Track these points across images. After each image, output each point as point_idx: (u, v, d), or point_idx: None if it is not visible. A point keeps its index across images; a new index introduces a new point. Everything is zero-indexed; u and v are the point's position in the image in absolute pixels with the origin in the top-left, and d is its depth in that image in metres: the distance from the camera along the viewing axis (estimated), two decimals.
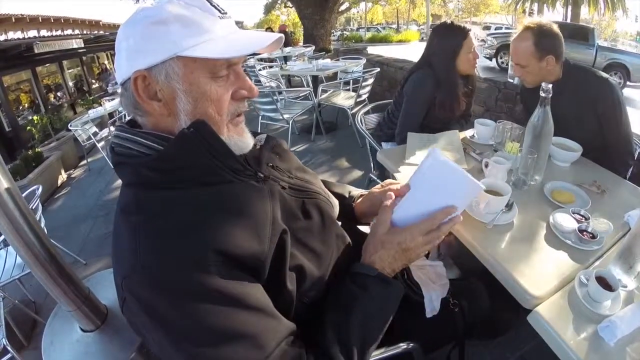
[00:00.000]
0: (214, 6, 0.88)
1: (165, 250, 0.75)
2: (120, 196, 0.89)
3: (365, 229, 1.44)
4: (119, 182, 0.91)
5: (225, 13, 0.90)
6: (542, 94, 1.54)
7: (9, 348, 2.24)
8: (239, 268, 0.78)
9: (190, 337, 0.72)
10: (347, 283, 0.98)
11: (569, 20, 21.47)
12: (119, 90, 0.91)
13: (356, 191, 1.41)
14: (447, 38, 2.46)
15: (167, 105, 0.85)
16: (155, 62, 0.81)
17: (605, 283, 1.07)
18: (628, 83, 12.03)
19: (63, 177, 6.55)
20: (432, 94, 2.50)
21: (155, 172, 0.83)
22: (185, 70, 0.83)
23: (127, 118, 0.99)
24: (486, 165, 1.68)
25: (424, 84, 2.51)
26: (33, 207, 2.85)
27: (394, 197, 1.06)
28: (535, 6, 27.46)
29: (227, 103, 0.89)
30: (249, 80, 0.94)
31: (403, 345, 1.18)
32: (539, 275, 1.20)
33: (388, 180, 1.31)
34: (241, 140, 0.95)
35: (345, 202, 1.35)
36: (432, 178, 0.99)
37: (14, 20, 13.69)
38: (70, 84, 15.23)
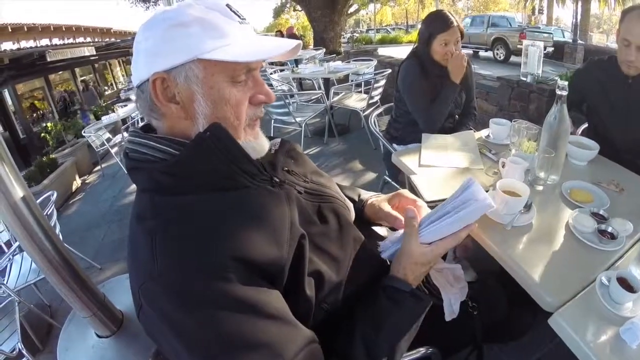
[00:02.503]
0: (234, 12, 0.88)
1: (183, 257, 0.75)
2: (136, 202, 0.89)
3: (377, 229, 1.43)
4: (133, 187, 0.91)
5: (245, 19, 0.90)
6: (558, 92, 1.51)
7: (24, 352, 2.26)
8: (258, 275, 0.78)
9: (207, 346, 0.71)
10: (380, 296, 0.98)
11: (579, 17, 21.40)
12: (134, 93, 0.91)
13: (366, 194, 1.39)
14: (426, 23, 2.50)
15: (184, 108, 0.85)
16: (175, 64, 0.81)
17: (626, 284, 1.06)
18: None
19: (77, 182, 6.62)
20: (420, 79, 2.52)
21: (171, 177, 0.83)
22: (206, 73, 0.83)
23: (141, 123, 0.99)
24: (503, 165, 1.66)
25: (410, 71, 2.55)
26: (48, 213, 2.88)
27: (418, 219, 1.04)
28: (545, 3, 27.22)
29: (245, 108, 0.90)
30: (266, 85, 0.94)
31: (422, 350, 1.17)
32: (559, 277, 1.18)
33: (400, 195, 1.30)
34: (258, 143, 0.95)
35: (355, 205, 1.33)
36: (469, 212, 0.98)
37: (26, 29, 13.95)
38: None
